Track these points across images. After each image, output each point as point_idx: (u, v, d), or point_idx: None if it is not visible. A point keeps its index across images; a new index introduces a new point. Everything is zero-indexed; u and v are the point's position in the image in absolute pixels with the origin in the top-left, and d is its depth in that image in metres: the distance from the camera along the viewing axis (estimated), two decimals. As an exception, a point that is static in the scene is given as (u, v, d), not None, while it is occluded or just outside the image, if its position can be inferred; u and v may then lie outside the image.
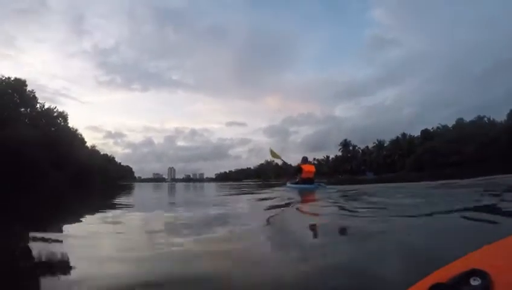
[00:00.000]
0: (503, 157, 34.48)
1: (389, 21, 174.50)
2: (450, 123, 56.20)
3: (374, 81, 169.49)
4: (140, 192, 13.42)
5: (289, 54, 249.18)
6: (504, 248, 0.68)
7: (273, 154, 9.68)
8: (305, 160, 8.54)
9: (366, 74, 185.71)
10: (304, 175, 7.97)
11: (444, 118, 78.78)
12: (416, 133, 62.84)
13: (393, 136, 67.97)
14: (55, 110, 38.49)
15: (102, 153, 77.39)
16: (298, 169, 8.16)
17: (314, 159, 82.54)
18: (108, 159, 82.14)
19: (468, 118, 53.66)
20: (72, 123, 43.49)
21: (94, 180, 37.53)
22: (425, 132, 58.14)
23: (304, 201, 5.12)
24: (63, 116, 39.37)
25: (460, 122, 53.37)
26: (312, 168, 8.19)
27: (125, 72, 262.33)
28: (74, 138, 42.21)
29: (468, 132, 46.82)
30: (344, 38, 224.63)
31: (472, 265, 0.59)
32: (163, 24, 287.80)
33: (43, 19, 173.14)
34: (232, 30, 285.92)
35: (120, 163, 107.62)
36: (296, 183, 8.20)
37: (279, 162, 10.96)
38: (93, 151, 55.20)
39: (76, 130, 44.41)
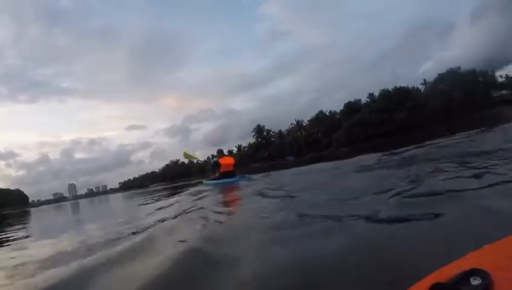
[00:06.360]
0: (434, 121, 35.52)
1: (282, 14, 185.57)
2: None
3: (270, 72, 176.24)
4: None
5: (185, 51, 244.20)
6: (504, 247, 0.69)
7: (186, 155, 9.19)
8: (220, 152, 8.13)
9: (263, 65, 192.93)
10: (222, 169, 7.50)
11: (340, 99, 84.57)
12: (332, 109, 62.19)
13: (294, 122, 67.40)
14: None
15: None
16: (215, 164, 7.70)
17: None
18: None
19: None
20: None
21: None
22: (349, 105, 54.83)
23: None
24: None
25: (386, 91, 51.98)
26: (231, 160, 7.76)
27: (10, 82, 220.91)
28: None
29: (396, 98, 47.16)
30: (238, 32, 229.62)
31: (472, 265, 0.60)
32: (50, 25, 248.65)
33: None
34: (124, 30, 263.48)
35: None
36: (215, 179, 7.57)
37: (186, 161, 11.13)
38: None
39: None
